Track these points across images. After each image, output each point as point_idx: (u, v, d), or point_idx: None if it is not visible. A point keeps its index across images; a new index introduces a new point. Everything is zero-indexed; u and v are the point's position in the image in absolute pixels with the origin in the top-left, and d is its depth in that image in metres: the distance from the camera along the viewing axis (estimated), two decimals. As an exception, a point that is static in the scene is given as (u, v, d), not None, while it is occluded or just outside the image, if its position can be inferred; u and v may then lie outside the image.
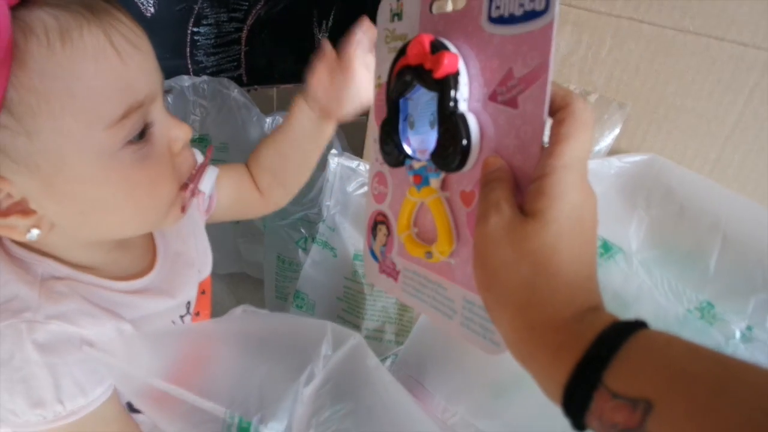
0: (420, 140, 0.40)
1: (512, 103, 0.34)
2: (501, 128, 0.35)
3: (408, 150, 0.40)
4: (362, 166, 0.76)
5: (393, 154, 0.41)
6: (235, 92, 0.92)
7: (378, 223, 0.46)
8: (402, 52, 0.39)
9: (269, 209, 0.61)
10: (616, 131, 0.60)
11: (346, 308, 0.82)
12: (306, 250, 0.83)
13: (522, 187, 0.33)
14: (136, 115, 0.36)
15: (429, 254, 0.40)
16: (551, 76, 0.32)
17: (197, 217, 0.54)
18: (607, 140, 0.60)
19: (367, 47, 0.50)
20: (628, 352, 0.25)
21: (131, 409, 0.46)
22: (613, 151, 0.60)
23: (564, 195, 0.29)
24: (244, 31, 1.16)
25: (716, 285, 0.51)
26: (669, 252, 0.53)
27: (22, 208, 0.35)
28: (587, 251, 0.30)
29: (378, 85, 0.45)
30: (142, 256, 0.47)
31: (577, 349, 0.26)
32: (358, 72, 0.50)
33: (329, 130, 0.55)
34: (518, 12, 0.34)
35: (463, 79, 0.36)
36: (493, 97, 0.35)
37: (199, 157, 0.48)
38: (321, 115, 0.54)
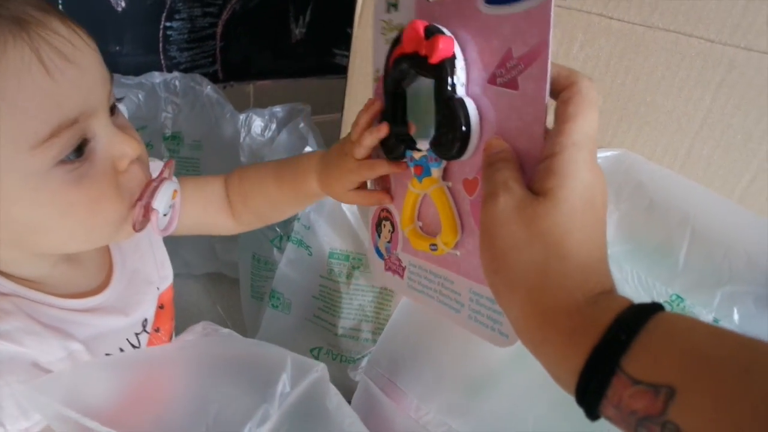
0: (419, 130, 0.38)
1: (512, 84, 0.33)
2: (502, 112, 0.34)
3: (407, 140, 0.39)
4: (336, 164, 0.75)
5: (392, 145, 0.40)
6: (208, 89, 0.91)
7: (382, 219, 0.45)
8: (397, 41, 0.38)
9: (236, 231, 0.57)
10: None
11: (323, 307, 0.82)
12: (281, 249, 0.82)
13: (527, 171, 0.32)
14: (68, 133, 0.33)
15: (434, 246, 0.39)
16: (551, 54, 0.31)
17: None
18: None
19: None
20: (649, 336, 0.24)
21: None
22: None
23: (575, 173, 0.28)
24: (219, 26, 1.14)
25: (685, 278, 0.51)
26: (639, 246, 0.53)
27: None
28: (598, 232, 0.29)
29: (376, 79, 0.44)
30: (96, 271, 0.45)
31: (592, 334, 0.25)
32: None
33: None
34: None
35: (460, 64, 0.35)
36: (492, 80, 0.34)
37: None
38: (325, 192, 0.49)
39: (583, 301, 0.26)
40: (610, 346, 0.24)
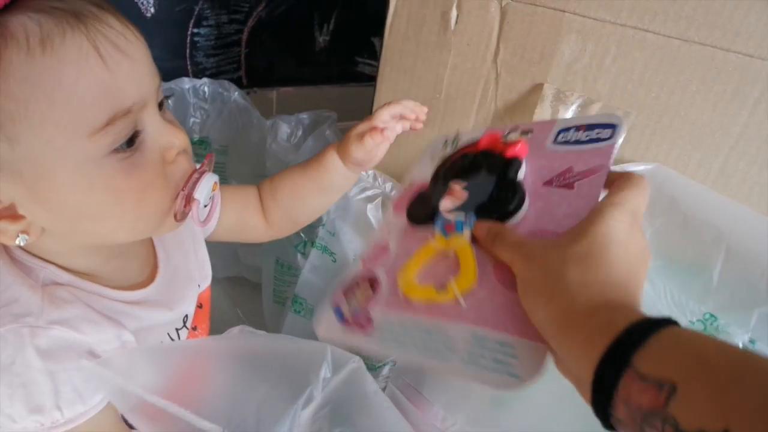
0: (466, 203, 0.44)
1: (569, 186, 0.40)
2: (552, 202, 0.40)
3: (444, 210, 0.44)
4: (363, 172, 0.76)
5: (423, 215, 0.45)
6: (236, 95, 0.92)
7: (360, 284, 0.46)
8: (470, 145, 0.47)
9: (272, 238, 0.60)
10: (620, 140, 0.59)
11: (345, 314, 0.82)
12: (305, 255, 0.83)
13: None
14: (123, 122, 0.35)
15: (442, 287, 0.40)
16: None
17: (197, 229, 0.53)
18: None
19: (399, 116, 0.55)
20: (659, 339, 0.26)
21: (126, 424, 0.45)
22: (617, 161, 0.60)
23: (613, 223, 0.31)
24: (245, 33, 1.15)
25: (719, 297, 0.51)
26: (672, 263, 0.52)
27: (10, 213, 0.35)
28: (629, 274, 0.31)
29: (408, 186, 0.50)
30: (142, 266, 0.47)
31: (609, 335, 0.28)
32: (393, 133, 0.54)
33: (355, 179, 0.58)
34: (584, 139, 0.43)
35: (523, 167, 0.43)
36: (548, 183, 0.41)
37: None
38: (351, 168, 0.56)
39: (603, 305, 0.30)
40: (623, 345, 0.27)
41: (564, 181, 0.41)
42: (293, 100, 1.30)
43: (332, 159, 0.55)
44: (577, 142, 0.44)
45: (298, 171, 0.57)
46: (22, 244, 0.36)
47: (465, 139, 0.52)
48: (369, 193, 0.76)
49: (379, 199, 0.76)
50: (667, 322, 0.28)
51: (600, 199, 0.36)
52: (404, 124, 0.55)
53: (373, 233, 0.52)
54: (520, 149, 0.44)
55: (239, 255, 1.02)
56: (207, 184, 0.42)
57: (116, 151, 0.35)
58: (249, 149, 0.92)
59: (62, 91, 0.32)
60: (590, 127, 0.44)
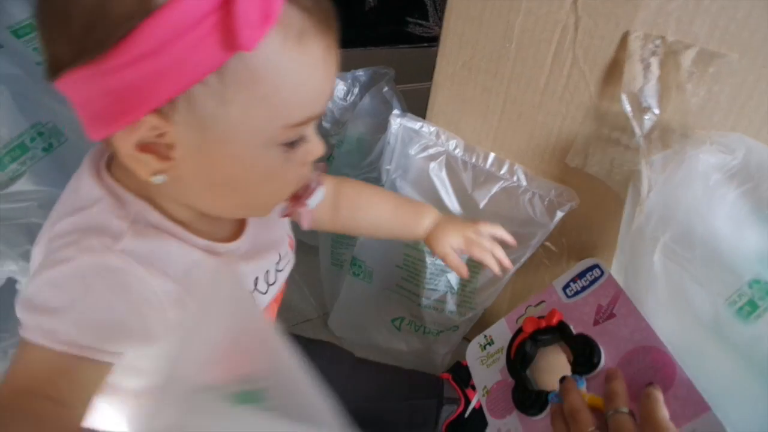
0: (554, 377, 0.52)
1: (611, 316, 0.53)
2: (612, 332, 0.52)
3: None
4: (426, 128, 0.72)
5: (534, 404, 0.52)
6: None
7: None
8: (518, 332, 0.58)
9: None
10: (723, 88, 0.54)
11: (406, 276, 0.80)
12: (364, 217, 0.81)
13: (641, 358, 0.48)
14: (308, 124, 0.38)
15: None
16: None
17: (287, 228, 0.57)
18: (708, 101, 0.54)
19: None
20: None
21: None
22: (712, 110, 0.54)
23: None
24: None
25: None
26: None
27: (162, 152, 0.36)
28: None
29: (485, 394, 0.59)
30: (232, 226, 0.48)
31: None
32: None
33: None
34: (586, 284, 0.57)
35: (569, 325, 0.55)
36: (596, 323, 0.53)
37: None
38: (430, 234, 0.63)
39: None
40: None
41: (605, 314, 0.53)
42: (344, 63, 1.27)
43: (422, 228, 0.63)
44: (584, 288, 0.57)
45: (390, 209, 0.64)
46: (158, 182, 0.37)
47: (495, 335, 0.62)
48: (431, 151, 0.73)
49: (442, 158, 0.72)
50: None
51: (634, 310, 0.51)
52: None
53: None
54: (555, 314, 0.55)
55: (294, 218, 1.01)
56: (319, 196, 0.46)
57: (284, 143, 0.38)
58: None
59: (292, 84, 0.35)
60: (581, 275, 0.57)
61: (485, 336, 0.64)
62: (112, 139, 0.35)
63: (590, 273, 0.57)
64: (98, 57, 0.31)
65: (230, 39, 0.31)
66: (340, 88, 0.88)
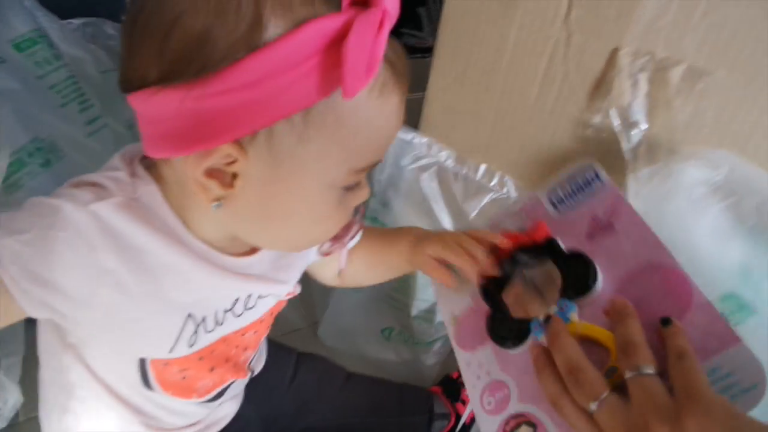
0: (545, 300, 0.45)
1: (609, 229, 0.43)
2: (612, 248, 0.43)
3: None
4: (417, 139, 0.73)
5: (511, 335, 0.45)
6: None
7: (515, 428, 0.44)
8: (497, 254, 0.48)
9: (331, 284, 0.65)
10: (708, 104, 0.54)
11: (396, 287, 0.80)
12: (355, 226, 0.81)
13: (650, 277, 0.40)
14: (370, 169, 0.39)
15: (613, 369, 0.38)
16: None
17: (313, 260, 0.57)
18: (694, 117, 0.55)
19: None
20: None
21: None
22: (699, 126, 0.55)
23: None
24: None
25: None
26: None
27: (226, 179, 0.36)
28: None
29: (453, 323, 0.52)
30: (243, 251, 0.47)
31: None
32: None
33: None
34: (576, 190, 0.47)
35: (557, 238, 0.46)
36: (589, 237, 0.44)
37: None
38: (411, 249, 0.58)
39: None
40: None
41: (602, 228, 0.44)
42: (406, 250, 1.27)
43: (404, 249, 0.58)
44: (574, 194, 0.47)
45: (378, 244, 0.60)
46: (215, 209, 0.37)
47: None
48: (423, 162, 0.73)
49: (433, 169, 0.73)
50: None
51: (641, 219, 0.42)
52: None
53: (468, 383, 0.48)
54: (541, 228, 0.46)
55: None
56: (357, 238, 0.48)
57: (346, 186, 0.39)
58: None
59: (369, 131, 0.36)
60: (570, 179, 0.48)
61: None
62: (182, 161, 0.35)
63: (583, 177, 0.47)
64: (192, 81, 0.31)
65: (331, 83, 0.32)
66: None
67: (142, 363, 0.44)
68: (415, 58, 0.70)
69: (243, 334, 0.51)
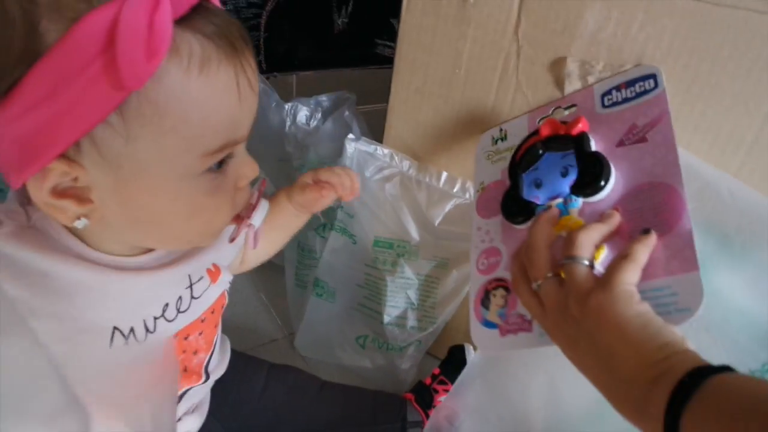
0: (550, 191, 0.49)
1: (642, 140, 0.44)
2: (635, 158, 0.44)
3: (538, 202, 0.50)
4: (380, 151, 0.75)
5: (520, 213, 0.50)
6: (255, 78, 0.91)
7: (490, 291, 0.51)
8: (533, 133, 0.52)
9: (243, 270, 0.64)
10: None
11: (368, 295, 0.81)
12: (324, 237, 0.83)
13: (662, 193, 0.42)
14: (229, 149, 0.37)
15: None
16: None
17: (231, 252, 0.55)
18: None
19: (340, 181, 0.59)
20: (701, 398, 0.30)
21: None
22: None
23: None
24: (263, 17, 1.15)
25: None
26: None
27: (79, 195, 0.35)
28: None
29: (480, 189, 0.56)
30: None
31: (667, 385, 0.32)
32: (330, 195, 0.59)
33: (305, 219, 0.63)
34: (631, 95, 0.47)
35: (589, 137, 0.47)
36: (620, 144, 0.45)
37: None
38: (300, 210, 0.61)
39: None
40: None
41: (635, 137, 0.45)
42: (313, 84, 1.29)
43: (281, 202, 0.60)
44: (626, 99, 0.47)
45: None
46: (80, 227, 0.37)
47: (512, 130, 0.55)
48: (386, 172, 0.75)
49: (396, 179, 0.75)
50: (711, 372, 0.31)
51: (674, 142, 0.42)
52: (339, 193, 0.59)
53: (473, 244, 0.55)
54: (582, 125, 0.47)
55: (261, 239, 1.03)
56: (262, 212, 0.45)
57: (209, 171, 0.37)
58: (269, 132, 0.92)
59: (200, 112, 0.34)
60: (630, 83, 0.48)
61: (501, 129, 0.57)
62: (27, 188, 0.34)
63: (641, 83, 0.48)
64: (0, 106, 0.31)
65: (118, 79, 0.30)
66: (303, 113, 0.90)
67: None
68: (390, 68, 0.72)
69: (186, 338, 0.49)
